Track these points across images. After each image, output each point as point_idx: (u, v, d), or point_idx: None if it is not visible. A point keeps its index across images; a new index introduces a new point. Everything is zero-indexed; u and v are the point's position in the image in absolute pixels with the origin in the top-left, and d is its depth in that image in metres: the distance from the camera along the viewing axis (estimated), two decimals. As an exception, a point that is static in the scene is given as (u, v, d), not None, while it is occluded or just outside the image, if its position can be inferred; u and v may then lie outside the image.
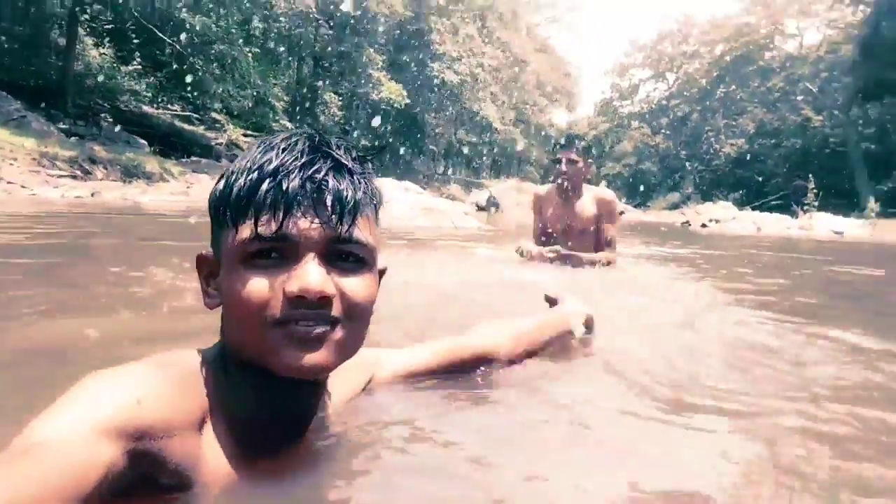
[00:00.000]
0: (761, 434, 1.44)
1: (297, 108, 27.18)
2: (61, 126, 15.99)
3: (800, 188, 26.35)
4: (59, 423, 0.78)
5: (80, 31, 18.32)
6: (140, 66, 20.32)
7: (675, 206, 35.19)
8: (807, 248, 12.27)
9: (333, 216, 0.96)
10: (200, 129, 22.09)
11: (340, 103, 29.97)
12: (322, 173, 0.97)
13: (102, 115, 18.30)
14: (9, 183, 10.25)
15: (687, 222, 21.70)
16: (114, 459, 0.78)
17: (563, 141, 4.54)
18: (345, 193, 0.97)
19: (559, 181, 4.55)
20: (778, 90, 40.86)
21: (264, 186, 0.95)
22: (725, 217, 20.70)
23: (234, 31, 22.15)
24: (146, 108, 20.69)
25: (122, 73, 19.89)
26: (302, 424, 1.11)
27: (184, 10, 20.92)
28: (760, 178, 38.17)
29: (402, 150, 33.99)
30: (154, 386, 0.88)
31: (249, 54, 22.89)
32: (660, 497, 1.13)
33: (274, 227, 0.94)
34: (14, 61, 16.52)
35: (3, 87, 15.02)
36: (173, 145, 19.49)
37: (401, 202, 18.92)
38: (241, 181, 0.97)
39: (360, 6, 26.53)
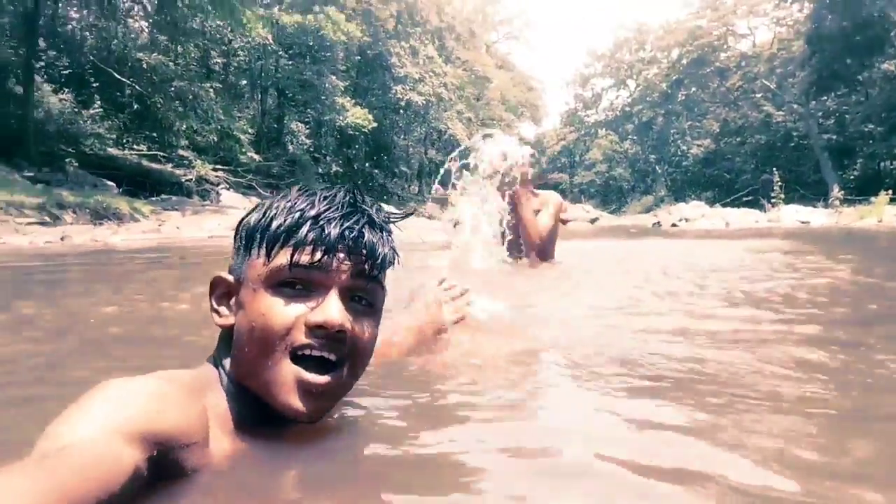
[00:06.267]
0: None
1: (264, 140, 27.09)
2: (26, 174, 15.77)
3: (767, 182, 26.83)
4: (88, 426, 0.81)
5: (38, 78, 18.17)
6: (101, 110, 20.16)
7: (649, 209, 35.55)
8: (771, 234, 12.50)
9: (366, 265, 1.09)
10: (168, 168, 21.88)
11: (308, 131, 29.97)
12: (360, 226, 1.09)
13: (67, 160, 18.07)
14: (-26, 233, 10.07)
15: (658, 223, 21.94)
16: (139, 463, 0.82)
17: (507, 166, 4.72)
18: (377, 247, 1.11)
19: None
20: (737, 89, 41.65)
21: (306, 227, 1.06)
22: (695, 215, 20.98)
23: (192, 67, 22.11)
24: (112, 150, 20.47)
25: (83, 117, 19.72)
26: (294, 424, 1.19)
27: (140, 51, 20.81)
28: (729, 176, 38.82)
29: (374, 172, 34.03)
30: (172, 399, 0.93)
31: (211, 89, 22.84)
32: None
33: (310, 259, 1.05)
34: (-28, 113, 16.35)
35: (-37, 139, 14.83)
36: (142, 185, 19.30)
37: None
38: (282, 218, 1.09)
39: (317, 35, 26.61)
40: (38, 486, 0.67)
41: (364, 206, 1.13)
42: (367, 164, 33.57)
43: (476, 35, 47.09)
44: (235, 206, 21.08)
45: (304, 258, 1.05)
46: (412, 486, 1.08)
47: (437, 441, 1.27)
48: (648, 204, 41.08)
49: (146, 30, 21.81)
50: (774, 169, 25.81)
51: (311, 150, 29.56)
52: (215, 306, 1.15)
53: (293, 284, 1.06)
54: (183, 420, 0.92)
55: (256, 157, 24.81)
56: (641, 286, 3.73)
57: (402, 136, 38.09)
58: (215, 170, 23.41)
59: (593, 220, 27.37)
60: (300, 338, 1.05)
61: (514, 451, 1.21)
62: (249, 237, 1.12)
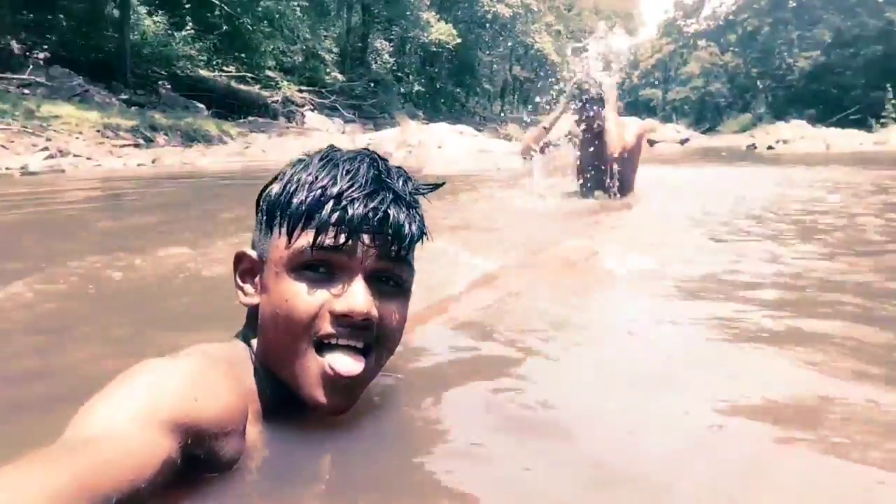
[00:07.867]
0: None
1: (348, 59, 27.14)
2: (122, 97, 16.58)
3: (879, 100, 24.78)
4: (119, 413, 0.80)
5: (134, 1, 18.76)
6: (193, 31, 20.67)
7: (745, 129, 33.61)
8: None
9: (392, 246, 1.03)
10: (256, 89, 22.45)
11: (392, 49, 29.78)
12: (385, 205, 1.03)
13: (160, 82, 18.82)
14: (75, 156, 10.77)
15: (753, 145, 20.83)
16: (171, 453, 0.80)
17: (575, 97, 4.77)
18: (404, 227, 1.04)
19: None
20: (857, -7, 37.94)
21: (328, 207, 1.01)
22: (794, 137, 19.80)
23: (279, -15, 22.19)
24: (202, 72, 21.14)
25: (176, 39, 20.30)
26: None
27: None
28: (837, 92, 35.92)
29: (457, 91, 33.66)
30: (210, 384, 0.91)
31: (297, 8, 22.91)
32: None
33: (333, 242, 1.00)
34: (73, 38, 17.13)
35: (66, 64, 15.64)
36: (231, 107, 19.92)
37: (454, 146, 18.93)
38: (303, 195, 1.03)
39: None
40: (54, 483, 0.66)
41: (389, 181, 1.07)
42: (449, 83, 33.18)
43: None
44: (318, 128, 21.50)
45: (327, 241, 1.01)
46: (453, 471, 1.07)
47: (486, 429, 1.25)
48: (745, 122, 38.77)
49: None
50: (889, 85, 23.73)
51: (395, 69, 29.42)
52: (240, 284, 1.13)
53: (316, 268, 1.03)
54: (222, 407, 0.91)
55: (340, 77, 24.98)
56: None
57: (487, 52, 37.23)
58: (300, 91, 23.80)
59: (683, 142, 26.22)
60: (325, 327, 1.02)
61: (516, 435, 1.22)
62: (270, 213, 1.08)
